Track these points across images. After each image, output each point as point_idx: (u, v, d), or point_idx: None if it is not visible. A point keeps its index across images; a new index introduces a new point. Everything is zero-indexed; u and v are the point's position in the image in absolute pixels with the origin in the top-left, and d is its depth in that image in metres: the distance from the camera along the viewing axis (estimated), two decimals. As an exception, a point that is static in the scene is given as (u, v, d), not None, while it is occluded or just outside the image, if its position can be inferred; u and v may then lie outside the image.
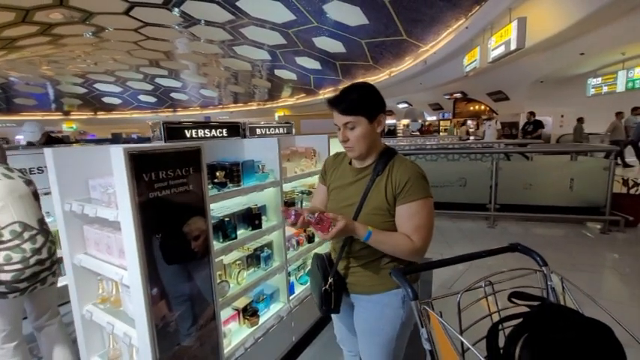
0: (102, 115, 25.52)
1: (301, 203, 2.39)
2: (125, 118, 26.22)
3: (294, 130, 2.65)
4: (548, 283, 1.11)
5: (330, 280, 1.29)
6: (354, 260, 1.32)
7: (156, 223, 1.34)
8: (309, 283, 1.52)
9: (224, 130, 2.03)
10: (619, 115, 8.90)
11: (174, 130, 1.75)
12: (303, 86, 20.51)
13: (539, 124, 9.32)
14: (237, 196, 1.80)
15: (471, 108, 16.02)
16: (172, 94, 23.94)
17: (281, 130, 2.51)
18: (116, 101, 24.27)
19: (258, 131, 2.30)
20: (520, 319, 0.96)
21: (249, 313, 1.96)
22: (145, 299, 1.31)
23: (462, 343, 0.90)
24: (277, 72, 19.23)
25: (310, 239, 2.49)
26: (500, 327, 0.99)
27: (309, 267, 2.56)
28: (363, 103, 1.21)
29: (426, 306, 0.96)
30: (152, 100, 24.59)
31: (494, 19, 7.90)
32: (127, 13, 11.67)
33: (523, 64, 9.67)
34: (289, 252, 2.25)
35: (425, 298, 1.00)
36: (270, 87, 21.91)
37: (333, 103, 1.22)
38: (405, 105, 18.38)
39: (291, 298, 2.26)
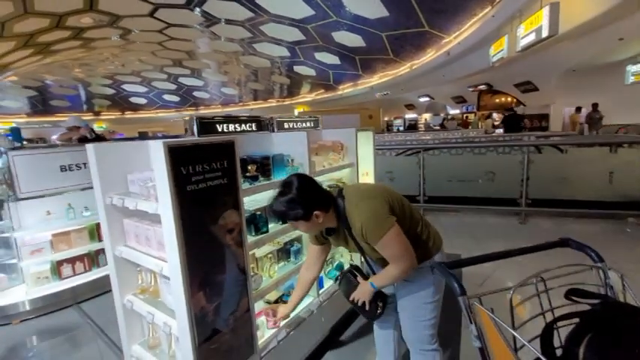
0: (129, 115, 26.52)
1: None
2: (151, 117, 27.14)
3: (320, 125, 2.63)
4: (607, 280, 1.04)
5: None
6: (386, 262, 1.44)
7: (194, 215, 1.36)
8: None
9: (253, 124, 2.05)
10: (595, 106, 8.34)
11: (206, 125, 1.77)
12: (322, 82, 20.44)
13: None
14: (269, 190, 1.80)
15: (497, 100, 15.41)
16: (195, 93, 24.52)
17: (308, 124, 2.50)
18: (142, 101, 25.14)
19: (286, 125, 2.30)
20: (576, 318, 0.91)
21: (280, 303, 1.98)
22: (185, 290, 1.35)
23: (515, 339, 0.86)
24: (296, 68, 19.26)
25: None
26: (554, 326, 0.93)
27: (337, 262, 2.56)
28: (292, 211, 1.35)
29: (475, 302, 0.92)
30: (176, 99, 25.30)
31: (523, 6, 7.53)
32: (151, 14, 12.02)
33: (554, 52, 9.18)
34: (318, 246, 2.24)
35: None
36: (289, 83, 22.00)
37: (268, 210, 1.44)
38: (427, 99, 17.94)
39: (320, 292, 2.26)
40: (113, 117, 26.38)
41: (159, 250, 1.55)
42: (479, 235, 4.08)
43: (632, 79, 9.35)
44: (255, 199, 1.96)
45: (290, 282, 2.06)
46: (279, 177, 1.94)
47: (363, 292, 1.53)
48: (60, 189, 3.15)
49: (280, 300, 2.03)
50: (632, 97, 9.81)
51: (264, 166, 1.85)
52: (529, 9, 7.35)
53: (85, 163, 3.33)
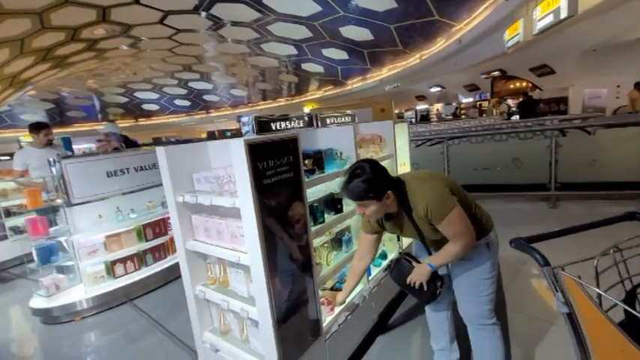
0: (143, 122, 27.06)
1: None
2: (163, 123, 27.64)
3: (356, 119, 2.71)
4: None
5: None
6: (441, 244, 1.55)
7: (270, 208, 1.47)
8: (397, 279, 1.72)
9: (301, 121, 2.14)
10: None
11: (263, 124, 1.88)
12: (330, 78, 20.45)
13: None
14: (325, 182, 1.90)
15: (511, 86, 15.16)
16: (205, 97, 24.86)
17: (347, 119, 2.59)
18: (154, 107, 25.61)
19: (328, 121, 2.39)
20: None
21: (335, 289, 2.08)
22: (266, 277, 1.45)
23: (602, 302, 0.93)
24: (304, 66, 19.31)
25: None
26: (637, 291, 1.00)
27: (380, 250, 2.64)
28: (368, 190, 1.42)
29: (559, 271, 0.99)
30: (186, 103, 25.70)
31: (539, -13, 7.39)
32: (161, 21, 12.24)
33: (572, 32, 8.97)
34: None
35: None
36: (297, 81, 22.07)
37: (343, 191, 1.48)
38: (438, 89, 17.77)
39: (370, 279, 2.35)
40: (127, 124, 26.96)
41: (233, 242, 1.66)
42: (511, 222, 4.10)
43: (654, 55, 9.06)
44: (310, 191, 2.06)
45: (344, 270, 2.16)
46: (330, 170, 2.03)
47: (420, 274, 1.59)
48: (106, 193, 3.32)
49: (335, 287, 2.14)
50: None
51: (318, 160, 1.94)
52: (545, -10, 7.21)
53: (127, 169, 3.50)
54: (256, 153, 1.40)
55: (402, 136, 2.76)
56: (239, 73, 20.87)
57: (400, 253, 1.79)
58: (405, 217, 1.55)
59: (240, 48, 16.77)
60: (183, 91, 23.40)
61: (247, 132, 1.91)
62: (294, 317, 1.63)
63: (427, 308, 1.95)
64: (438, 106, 18.12)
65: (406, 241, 2.84)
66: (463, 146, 5.59)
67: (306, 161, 1.86)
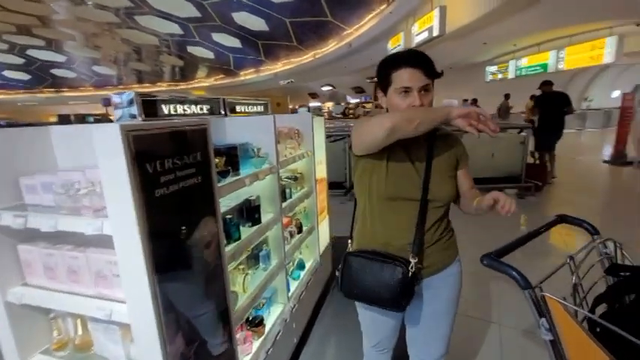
0: (-55, 96, 19.60)
1: (290, 192, 2.13)
2: (-16, 100, 20.66)
3: (270, 109, 2.32)
4: (605, 250, 1.15)
5: (412, 262, 1.05)
6: (428, 239, 1.12)
7: (165, 231, 0.96)
8: (353, 285, 1.13)
9: (204, 106, 1.62)
10: (507, 96, 10.47)
11: (151, 106, 1.30)
12: (221, 66, 19.03)
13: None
14: (242, 187, 1.45)
15: (390, 91, 17.13)
16: (54, 71, 19.66)
17: (259, 109, 2.16)
18: (-34, 78, 18.85)
19: (238, 109, 1.92)
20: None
21: (255, 322, 1.67)
22: (160, 338, 0.95)
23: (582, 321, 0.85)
24: (190, 49, 17.38)
25: (300, 229, 2.26)
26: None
27: (297, 260, 2.34)
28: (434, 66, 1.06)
29: (544, 292, 0.88)
30: (24, 77, 19.80)
31: (417, 6, 8.40)
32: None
33: (438, 50, 10.61)
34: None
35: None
36: (182, 65, 19.73)
37: (418, 60, 1.02)
38: (330, 88, 18.67)
39: (289, 296, 2.02)
40: None
41: (99, 286, 1.06)
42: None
43: (490, 77, 11.64)
44: (221, 199, 1.58)
45: (264, 294, 1.76)
46: (246, 170, 1.59)
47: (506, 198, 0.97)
48: None
49: (251, 315, 1.72)
50: (489, 92, 12.24)
51: (232, 157, 1.48)
52: (422, 9, 8.24)
53: None
54: (144, 148, 0.87)
55: (319, 132, 2.51)
56: (105, 47, 17.21)
57: (351, 253, 1.16)
58: (424, 145, 1.12)
59: (105, 16, 13.80)
60: (19, 60, 17.88)
61: (122, 117, 1.30)
62: (203, 378, 1.16)
63: (370, 348, 1.37)
64: (329, 104, 19.06)
65: (322, 243, 2.63)
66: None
67: (217, 160, 1.38)
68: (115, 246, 0.93)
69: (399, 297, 1.05)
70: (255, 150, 1.67)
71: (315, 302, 2.44)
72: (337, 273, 1.19)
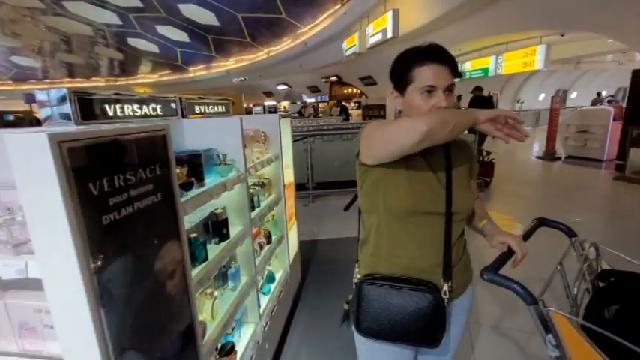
0: None
1: (258, 201, 1.95)
2: None
3: (231, 109, 2.11)
4: (581, 252, 1.17)
5: (446, 286, 0.93)
6: (454, 258, 0.99)
7: (116, 269, 0.76)
8: (370, 319, 0.97)
9: (157, 106, 1.39)
10: (459, 98, 11.20)
11: (89, 105, 1.06)
12: (167, 61, 17.81)
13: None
14: (208, 202, 1.26)
15: (345, 91, 17.38)
16: (-42, 61, 16.89)
17: (220, 109, 1.95)
18: None
19: (197, 109, 1.70)
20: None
21: (226, 350, 1.48)
22: (115, 403, 0.74)
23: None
24: (131, 41, 16.00)
25: (269, 239, 2.09)
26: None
27: (267, 272, 2.17)
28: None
29: (549, 308, 0.84)
30: None
31: (371, 8, 8.54)
32: None
33: (389, 52, 10.94)
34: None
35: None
36: (122, 59, 18.09)
37: (444, 55, 0.89)
38: (285, 87, 18.41)
39: (260, 313, 1.85)
40: None
41: (24, 340, 0.82)
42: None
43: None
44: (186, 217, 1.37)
45: (236, 317, 1.57)
46: (212, 181, 1.39)
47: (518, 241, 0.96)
48: None
49: (220, 342, 1.52)
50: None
51: (196, 167, 1.27)
52: (375, 12, 8.40)
53: None
54: (84, 163, 0.66)
55: (286, 134, 2.35)
56: (26, 35, 15.12)
57: (370, 276, 0.99)
58: (441, 152, 1.00)
59: (26, 0, 12.12)
60: None
61: (50, 118, 1.05)
62: None
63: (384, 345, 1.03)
64: (285, 103, 18.80)
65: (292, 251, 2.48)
66: (322, 144, 5.74)
67: (178, 170, 1.17)
68: (45, 291, 0.70)
69: (434, 329, 0.92)
70: (221, 156, 1.48)
71: (286, 316, 2.30)
72: (345, 306, 1.05)
